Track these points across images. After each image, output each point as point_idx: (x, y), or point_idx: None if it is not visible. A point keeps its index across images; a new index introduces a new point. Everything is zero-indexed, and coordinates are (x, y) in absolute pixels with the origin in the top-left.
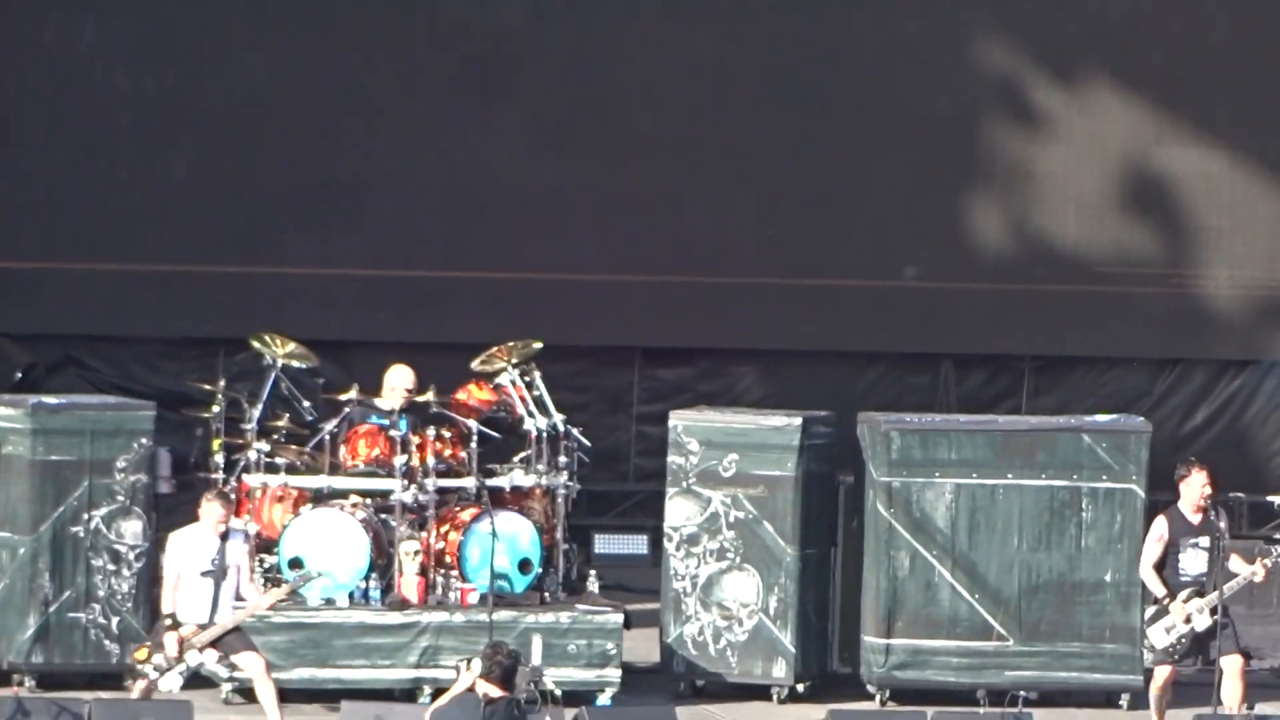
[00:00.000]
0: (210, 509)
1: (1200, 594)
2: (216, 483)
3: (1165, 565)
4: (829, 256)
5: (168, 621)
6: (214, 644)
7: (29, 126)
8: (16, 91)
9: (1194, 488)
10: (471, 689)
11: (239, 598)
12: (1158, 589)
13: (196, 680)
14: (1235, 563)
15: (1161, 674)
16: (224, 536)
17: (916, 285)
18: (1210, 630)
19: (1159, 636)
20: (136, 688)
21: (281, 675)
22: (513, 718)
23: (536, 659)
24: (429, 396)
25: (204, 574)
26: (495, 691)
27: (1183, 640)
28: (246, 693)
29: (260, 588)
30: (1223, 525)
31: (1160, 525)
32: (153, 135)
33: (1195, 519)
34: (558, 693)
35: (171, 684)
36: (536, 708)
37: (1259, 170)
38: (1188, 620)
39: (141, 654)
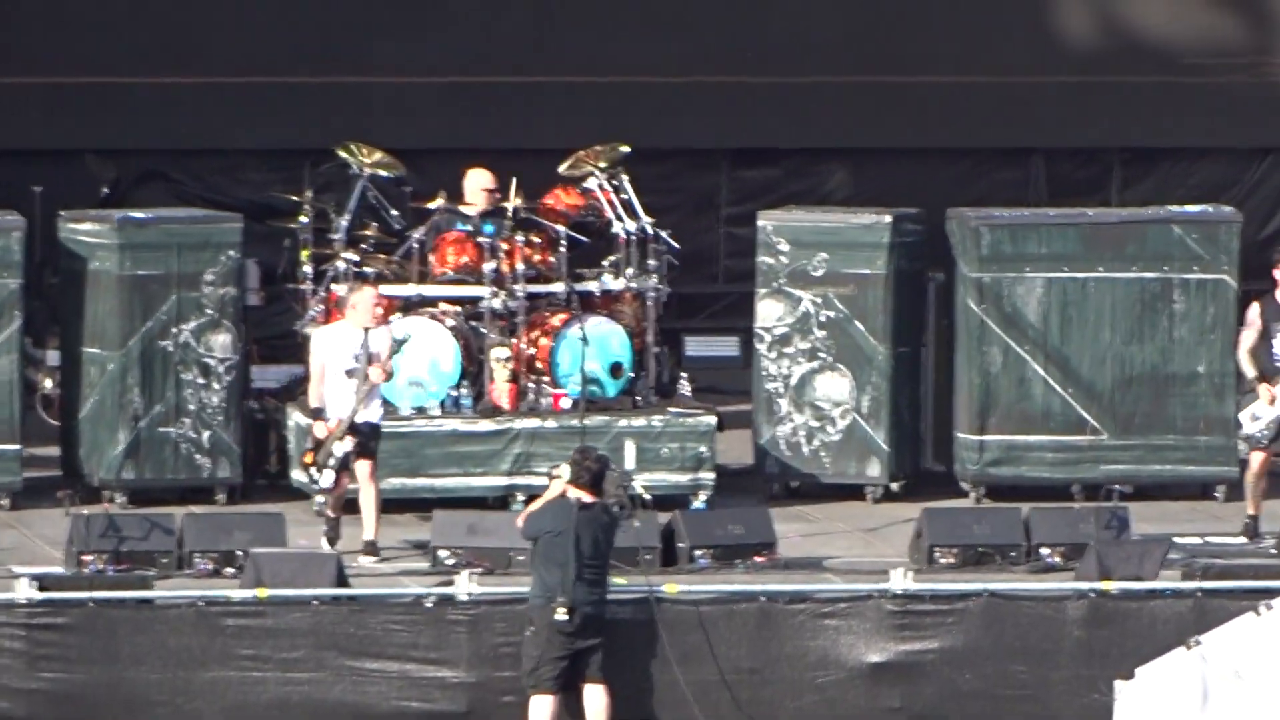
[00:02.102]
0: (363, 302)
1: None
2: (366, 276)
3: (1259, 350)
4: (914, 53)
5: (317, 417)
6: (351, 431)
7: None
8: None
9: None
10: (563, 495)
11: None
12: (1250, 371)
13: (288, 492)
14: None
15: (1255, 460)
16: (366, 332)
17: (1003, 80)
18: None
19: (1246, 421)
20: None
21: None
22: (603, 523)
23: (630, 463)
24: (516, 202)
25: (348, 371)
26: (585, 497)
27: (1270, 425)
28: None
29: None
30: None
31: (1254, 310)
32: None
33: None
34: (648, 497)
35: (327, 480)
36: (627, 512)
37: None
38: (1273, 402)
39: (308, 458)
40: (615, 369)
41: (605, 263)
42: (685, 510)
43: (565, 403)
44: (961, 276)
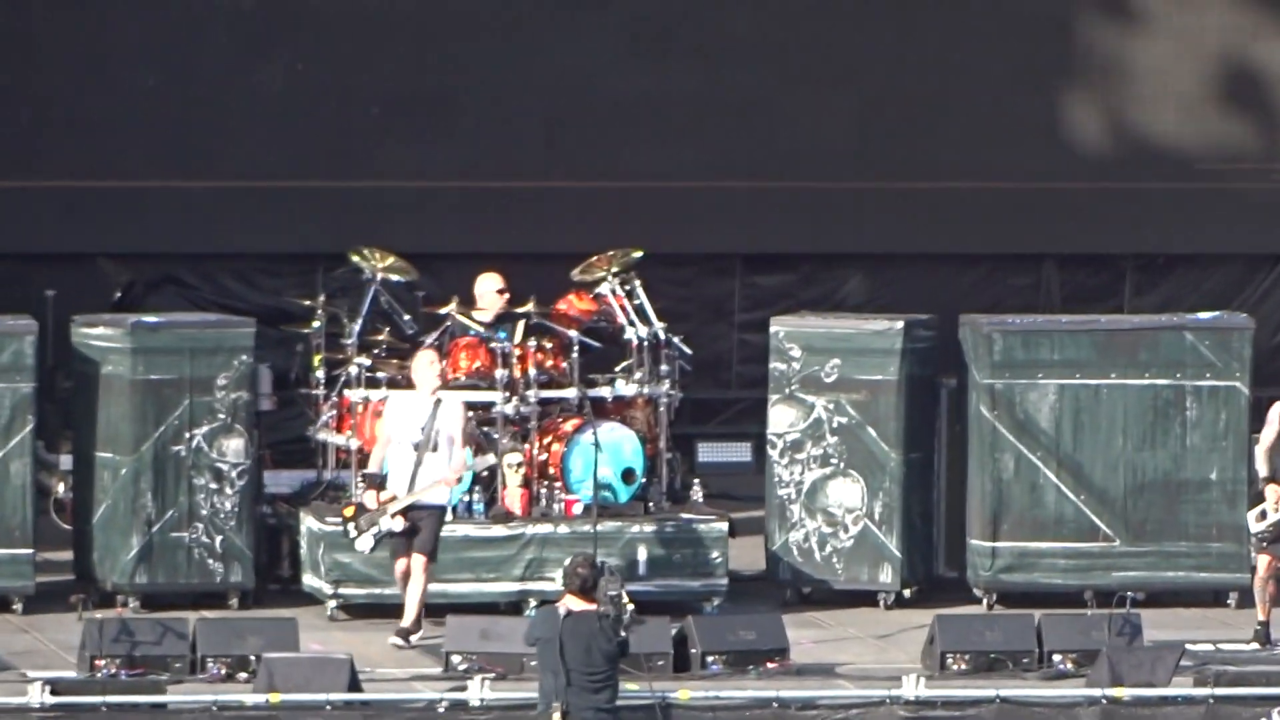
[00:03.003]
0: (422, 369)
1: None
2: (422, 341)
3: (1275, 451)
4: (927, 159)
5: (365, 482)
6: (403, 512)
7: (126, 44)
8: (114, 8)
9: None
10: (554, 602)
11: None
12: (1263, 470)
13: (301, 597)
14: None
15: (1261, 563)
16: (437, 404)
17: (1016, 186)
18: None
19: (1253, 521)
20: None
21: (386, 590)
22: (595, 630)
23: (642, 570)
24: (529, 307)
25: (412, 444)
26: (576, 604)
27: (1274, 527)
28: (351, 609)
29: (462, 461)
30: None
31: (1275, 411)
32: (248, 49)
33: None
34: (629, 609)
35: (364, 545)
36: (611, 623)
37: None
38: (1279, 507)
39: (348, 511)
40: (627, 475)
41: (618, 368)
42: (698, 615)
43: (578, 508)
44: (974, 382)
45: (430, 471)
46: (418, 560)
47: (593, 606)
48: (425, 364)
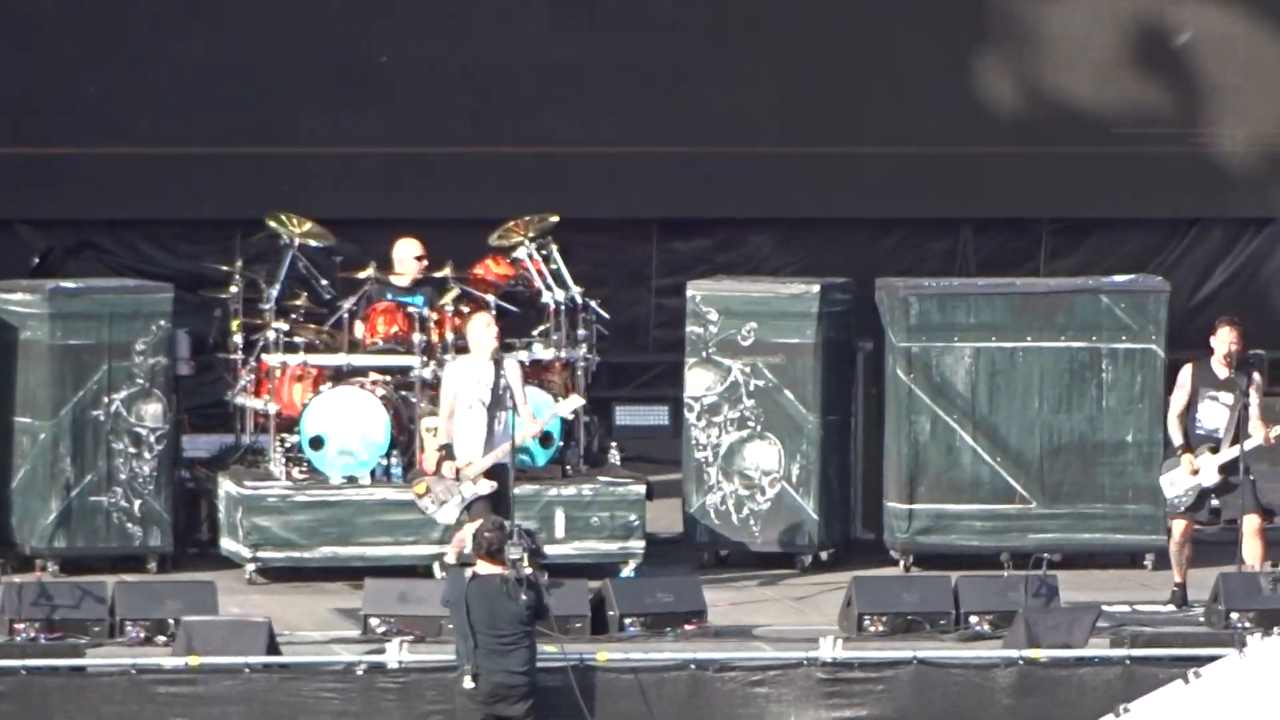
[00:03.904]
0: (480, 331)
1: (1215, 450)
2: (485, 307)
3: (1188, 416)
4: (845, 124)
5: (442, 452)
6: (488, 474)
7: (44, 11)
8: None
9: (1222, 342)
10: (459, 566)
11: None
12: (1176, 438)
13: (219, 560)
14: (1254, 424)
15: (1177, 528)
16: (498, 364)
17: (933, 151)
18: (1217, 486)
19: (1166, 487)
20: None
21: (305, 554)
22: (501, 593)
23: (560, 532)
24: (447, 272)
25: (478, 404)
26: (485, 567)
27: (1189, 492)
28: (269, 573)
29: (530, 416)
30: (1252, 386)
31: (1185, 374)
32: (169, 17)
33: (1222, 374)
34: (526, 572)
35: (448, 516)
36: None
37: (1274, 27)
38: (1195, 472)
39: (420, 488)
40: (545, 439)
41: (535, 332)
42: (615, 579)
43: None
44: (890, 345)
45: (500, 426)
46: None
47: (499, 570)
48: (483, 326)
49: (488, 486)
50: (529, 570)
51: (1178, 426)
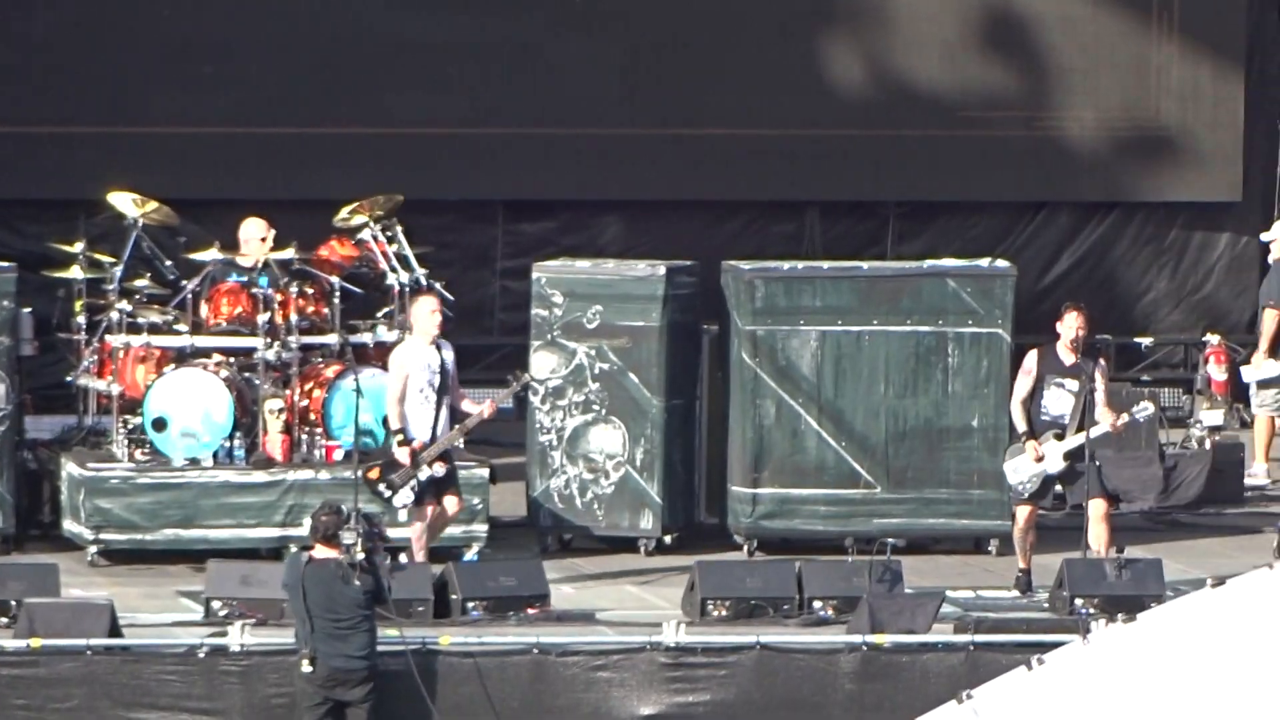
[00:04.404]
0: (425, 317)
1: (1060, 436)
2: (428, 285)
3: (1033, 402)
4: (691, 106)
5: (397, 438)
6: (441, 458)
7: None
8: None
9: (1068, 328)
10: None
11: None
12: (1020, 424)
13: (61, 542)
14: (1101, 411)
15: (1021, 514)
16: (439, 348)
17: (779, 133)
18: (1063, 473)
19: (1010, 473)
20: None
21: (147, 536)
22: (336, 578)
23: (402, 515)
24: (290, 253)
25: (428, 388)
26: (322, 551)
27: (1033, 479)
28: (112, 555)
29: (468, 399)
30: (1098, 372)
31: (1030, 359)
32: None
33: (1067, 360)
34: (361, 558)
35: (404, 499)
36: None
37: (1121, 10)
38: (1039, 459)
39: (374, 473)
40: (388, 421)
41: (379, 314)
42: (458, 562)
43: (338, 454)
44: (736, 329)
45: (446, 408)
46: (454, 503)
47: (335, 554)
48: (428, 311)
49: (442, 469)
50: (361, 555)
51: (1022, 413)
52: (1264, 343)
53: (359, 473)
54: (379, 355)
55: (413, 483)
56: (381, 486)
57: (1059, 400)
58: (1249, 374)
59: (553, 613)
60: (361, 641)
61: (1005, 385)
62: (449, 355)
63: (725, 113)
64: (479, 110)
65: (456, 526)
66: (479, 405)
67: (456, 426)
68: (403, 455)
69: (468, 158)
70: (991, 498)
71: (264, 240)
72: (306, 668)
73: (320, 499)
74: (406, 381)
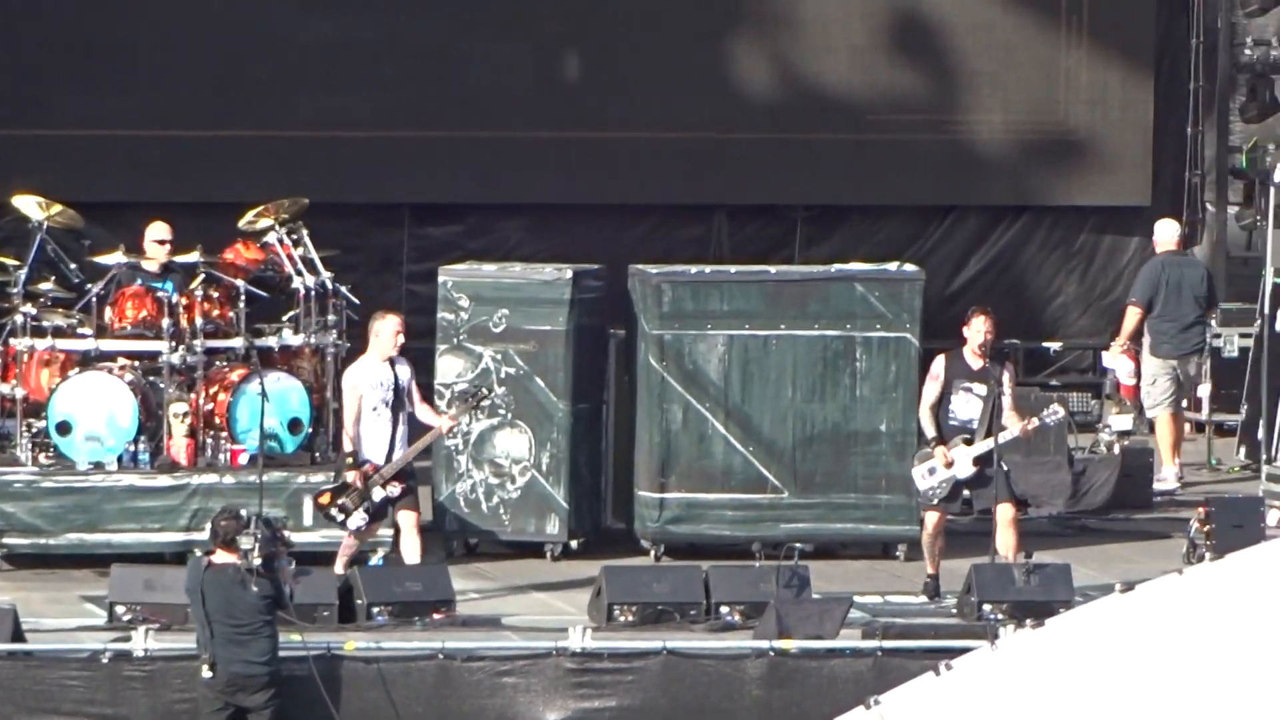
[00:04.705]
0: (388, 337)
1: (969, 441)
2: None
3: (941, 407)
4: (598, 109)
5: (348, 460)
6: (397, 477)
7: None
8: None
9: (975, 332)
10: (199, 554)
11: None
12: (929, 430)
13: None
14: (1009, 416)
15: (930, 520)
16: (393, 364)
17: (687, 137)
18: (972, 479)
19: (919, 478)
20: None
21: (51, 540)
22: (235, 583)
23: (308, 519)
24: (196, 257)
25: (382, 405)
26: (222, 556)
27: (943, 484)
28: (15, 559)
29: (432, 410)
30: (1005, 377)
31: (938, 364)
32: None
33: (975, 365)
34: (258, 563)
35: (357, 522)
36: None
37: (1031, 14)
38: (949, 465)
39: (324, 499)
40: (294, 425)
41: (285, 318)
42: (363, 567)
43: (243, 458)
44: (643, 333)
45: (403, 427)
46: (411, 518)
47: (234, 559)
48: (392, 332)
49: (397, 490)
50: (259, 561)
51: (930, 418)
52: (1122, 338)
53: (316, 498)
54: (284, 359)
55: (366, 504)
56: (333, 511)
57: (967, 405)
58: (1106, 360)
59: (458, 618)
60: (262, 647)
61: (913, 390)
62: (404, 371)
63: (632, 116)
64: (385, 113)
65: None
66: (438, 417)
67: (411, 446)
68: (353, 478)
69: (374, 161)
70: (899, 503)
71: (163, 243)
72: (207, 673)
73: (225, 503)
74: (360, 401)
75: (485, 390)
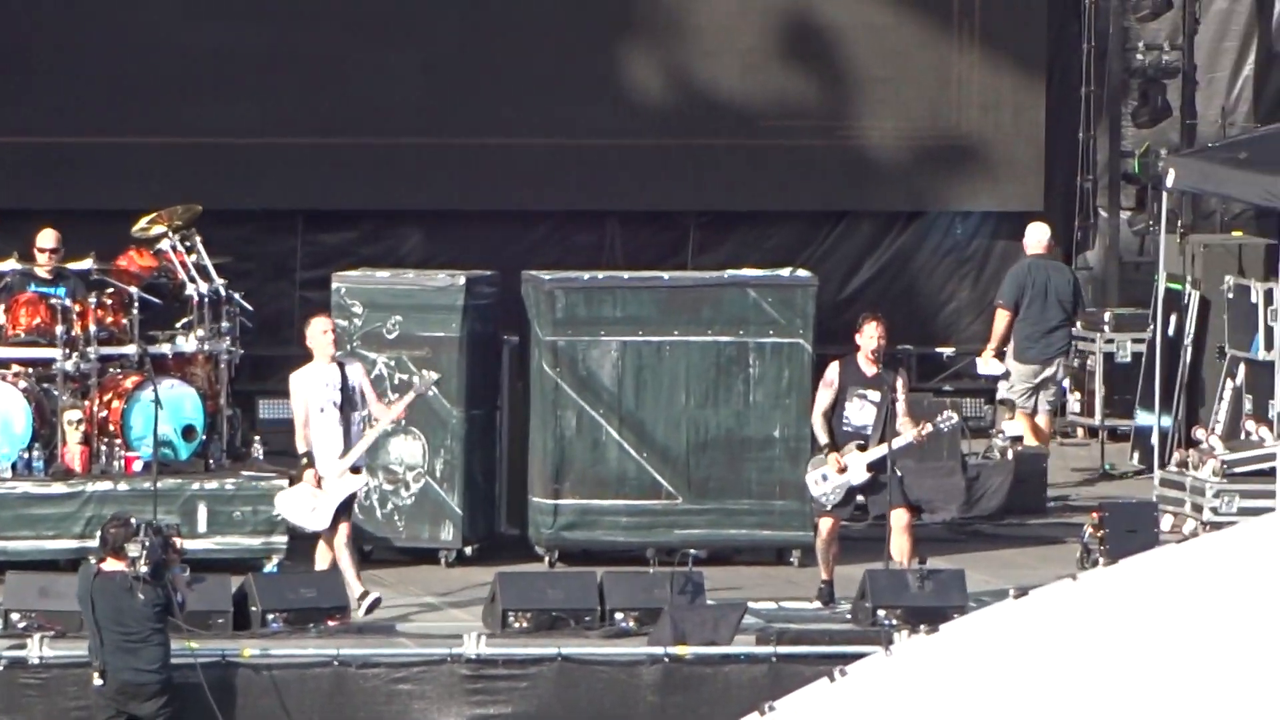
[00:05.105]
0: (317, 337)
1: (863, 447)
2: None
3: (835, 414)
4: (491, 116)
5: (304, 461)
6: (353, 470)
7: None
8: None
9: (868, 339)
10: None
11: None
12: (822, 436)
13: None
14: (903, 421)
15: (824, 526)
16: (342, 366)
17: (580, 143)
18: (866, 485)
19: (813, 484)
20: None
21: None
22: (124, 590)
23: (202, 526)
24: (89, 264)
25: (330, 406)
26: (111, 564)
27: (837, 490)
28: None
29: (386, 404)
30: (899, 382)
31: (832, 371)
32: None
33: (869, 371)
34: (144, 570)
35: (319, 523)
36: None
37: (923, 20)
38: (842, 470)
39: (282, 501)
40: (188, 431)
41: (178, 325)
42: (258, 573)
43: (138, 465)
44: (536, 339)
45: (357, 426)
46: (344, 530)
47: (123, 566)
48: (320, 332)
49: (353, 483)
50: (146, 568)
51: (823, 425)
52: (993, 342)
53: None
54: (178, 366)
55: (326, 504)
56: (291, 513)
57: (861, 411)
58: (980, 367)
59: (353, 624)
60: (153, 655)
61: (807, 395)
62: (355, 371)
63: (525, 123)
64: (278, 120)
65: (255, 538)
66: (386, 410)
67: (358, 443)
68: (309, 479)
69: (267, 168)
70: (793, 508)
71: (47, 250)
72: (97, 681)
73: (119, 510)
74: (307, 405)
75: (432, 379)
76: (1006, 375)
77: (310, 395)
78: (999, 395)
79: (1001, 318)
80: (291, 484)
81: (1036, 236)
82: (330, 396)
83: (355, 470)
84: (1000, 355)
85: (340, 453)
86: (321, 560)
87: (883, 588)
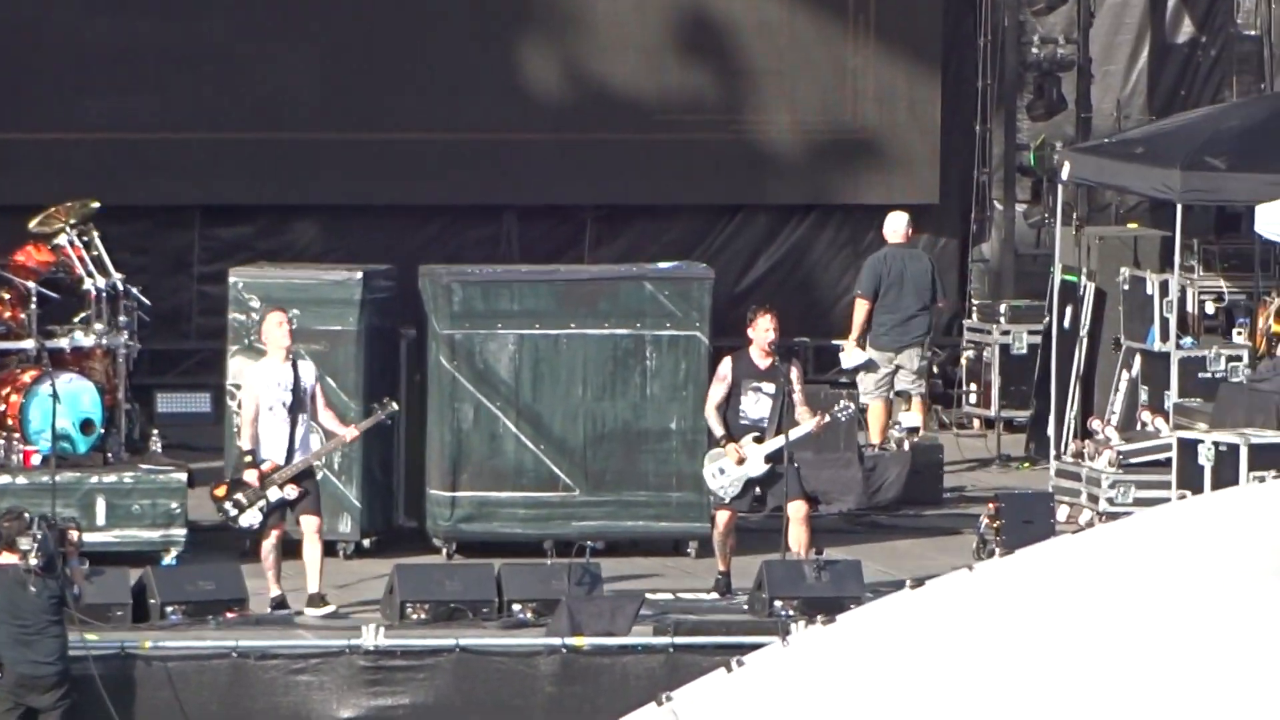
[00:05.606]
0: (273, 331)
1: (760, 439)
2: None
3: (727, 408)
4: (387, 110)
5: (247, 459)
6: (295, 480)
7: None
8: None
9: (761, 332)
10: None
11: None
12: (717, 429)
13: None
14: (800, 412)
15: (721, 518)
16: (295, 364)
17: (476, 137)
18: (763, 476)
19: (710, 477)
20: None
21: None
22: (18, 583)
23: (101, 520)
24: None
25: (279, 406)
26: (5, 557)
27: (734, 482)
28: None
29: (336, 418)
30: (794, 374)
31: (725, 365)
32: None
33: (763, 364)
34: (35, 564)
35: (251, 520)
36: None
37: (818, 13)
38: (740, 463)
39: (220, 490)
40: (86, 425)
41: (76, 319)
42: (157, 567)
43: (36, 459)
44: (434, 333)
45: (304, 428)
46: (313, 523)
47: (15, 559)
48: (275, 325)
49: (294, 492)
50: (37, 561)
51: (717, 418)
52: (854, 332)
53: (212, 490)
54: (76, 360)
55: (261, 503)
56: (228, 505)
57: (757, 405)
58: (845, 361)
59: (251, 617)
60: (50, 647)
61: (704, 388)
62: (307, 371)
63: (421, 117)
64: (174, 115)
65: (154, 531)
66: (345, 427)
67: (313, 451)
68: (251, 476)
69: (163, 163)
70: (690, 500)
71: None
72: None
73: (17, 504)
74: (257, 401)
75: (394, 407)
76: (871, 364)
77: (262, 392)
78: (860, 387)
79: (860, 307)
80: (230, 480)
81: (895, 226)
82: (280, 397)
83: (296, 480)
84: (862, 345)
85: (284, 455)
86: (266, 561)
87: (780, 579)
